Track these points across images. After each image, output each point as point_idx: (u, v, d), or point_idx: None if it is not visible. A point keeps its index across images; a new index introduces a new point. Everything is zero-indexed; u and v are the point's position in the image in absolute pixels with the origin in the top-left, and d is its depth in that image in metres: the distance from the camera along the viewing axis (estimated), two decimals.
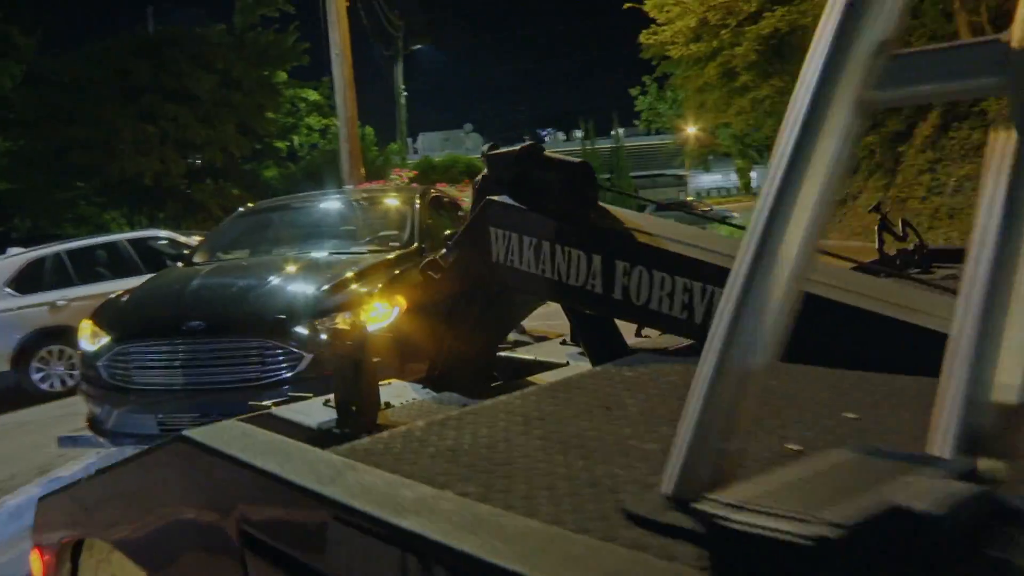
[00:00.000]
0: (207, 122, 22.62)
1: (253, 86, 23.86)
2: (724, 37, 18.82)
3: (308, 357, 4.40)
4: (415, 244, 5.76)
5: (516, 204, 2.44)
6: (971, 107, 16.66)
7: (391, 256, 5.52)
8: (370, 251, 5.82)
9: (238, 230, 6.95)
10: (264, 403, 2.60)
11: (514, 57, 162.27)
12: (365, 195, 8.01)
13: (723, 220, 14.30)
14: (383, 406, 2.38)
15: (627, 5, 20.04)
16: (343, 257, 5.64)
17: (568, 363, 2.94)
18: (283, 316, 4.56)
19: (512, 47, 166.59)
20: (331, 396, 2.37)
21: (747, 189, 52.23)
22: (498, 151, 2.80)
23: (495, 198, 2.47)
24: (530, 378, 2.84)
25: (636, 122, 44.07)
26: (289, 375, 4.40)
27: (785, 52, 23.46)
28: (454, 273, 2.65)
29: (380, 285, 4.87)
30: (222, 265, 5.79)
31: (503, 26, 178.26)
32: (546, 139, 72.51)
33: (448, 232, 6.49)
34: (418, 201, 6.37)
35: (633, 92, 42.09)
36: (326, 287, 4.77)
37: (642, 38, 20.96)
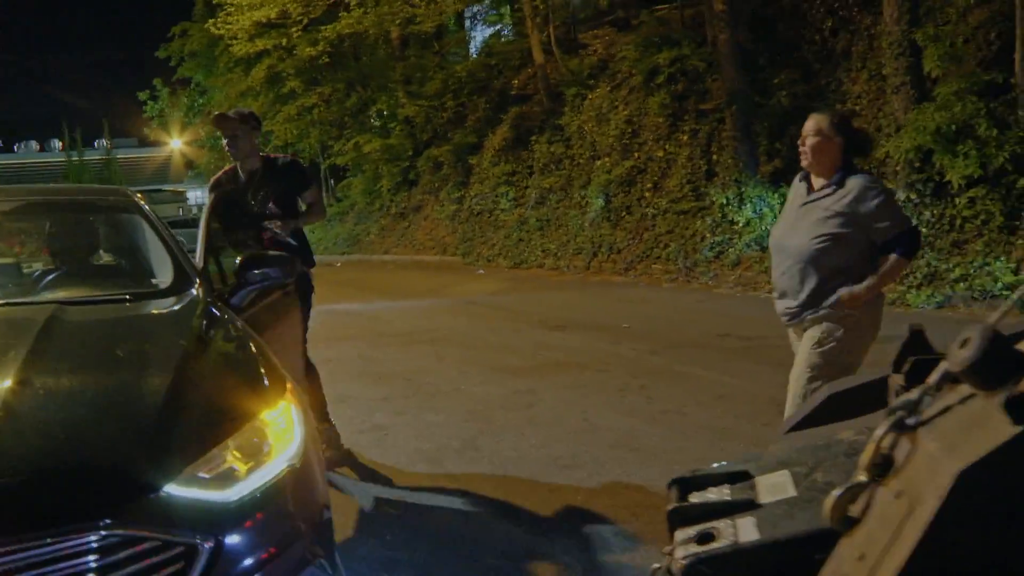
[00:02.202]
0: None
1: None
2: (293, 33, 17.17)
3: (205, 550, 2.05)
4: (196, 282, 3.39)
5: None
6: (544, 121, 17.40)
7: (183, 301, 3.18)
8: (130, 294, 3.30)
9: None
10: None
11: None
12: (49, 194, 4.92)
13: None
14: None
15: None
16: (110, 308, 3.10)
17: None
18: (125, 467, 2.04)
19: None
20: None
21: None
22: None
23: None
24: None
25: (147, 130, 39.69)
26: None
27: (337, 61, 22.59)
28: None
29: (264, 371, 2.60)
30: None
31: None
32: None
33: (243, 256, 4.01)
34: (146, 205, 3.96)
35: (142, 96, 37.88)
36: (165, 385, 2.31)
37: (211, 27, 18.33)
